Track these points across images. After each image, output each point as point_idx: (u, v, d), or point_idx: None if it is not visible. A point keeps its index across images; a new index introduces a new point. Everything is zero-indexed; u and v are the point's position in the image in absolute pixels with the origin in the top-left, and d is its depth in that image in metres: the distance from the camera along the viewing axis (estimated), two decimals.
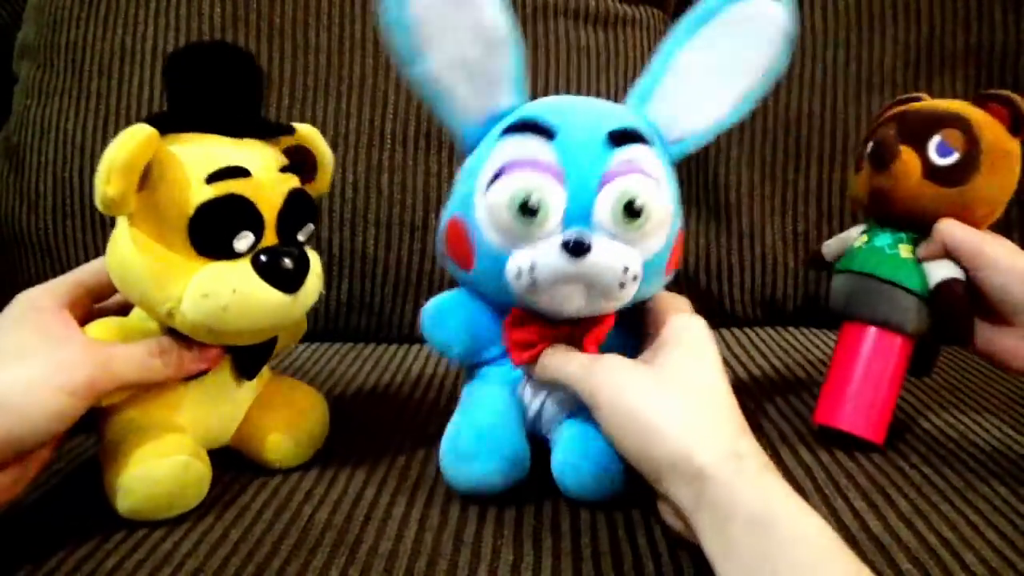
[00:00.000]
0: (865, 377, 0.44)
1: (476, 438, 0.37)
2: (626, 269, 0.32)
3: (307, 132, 0.39)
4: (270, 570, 0.32)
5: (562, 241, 0.31)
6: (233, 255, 0.33)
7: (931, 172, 0.42)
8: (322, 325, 0.65)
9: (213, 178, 0.32)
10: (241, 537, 0.35)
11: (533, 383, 0.39)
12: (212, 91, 0.34)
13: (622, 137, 0.33)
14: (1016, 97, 0.42)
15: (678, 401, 0.31)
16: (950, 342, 0.45)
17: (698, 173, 0.73)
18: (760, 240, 0.70)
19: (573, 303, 0.33)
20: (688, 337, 0.35)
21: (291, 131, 0.38)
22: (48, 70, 0.66)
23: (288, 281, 0.34)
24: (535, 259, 0.32)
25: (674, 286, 0.74)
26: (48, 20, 0.66)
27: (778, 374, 0.57)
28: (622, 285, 0.32)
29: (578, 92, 0.68)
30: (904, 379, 0.45)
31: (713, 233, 0.71)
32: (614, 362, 0.34)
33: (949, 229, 0.41)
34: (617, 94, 0.70)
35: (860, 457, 0.43)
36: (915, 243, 0.44)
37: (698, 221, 0.72)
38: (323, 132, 0.63)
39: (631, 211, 0.31)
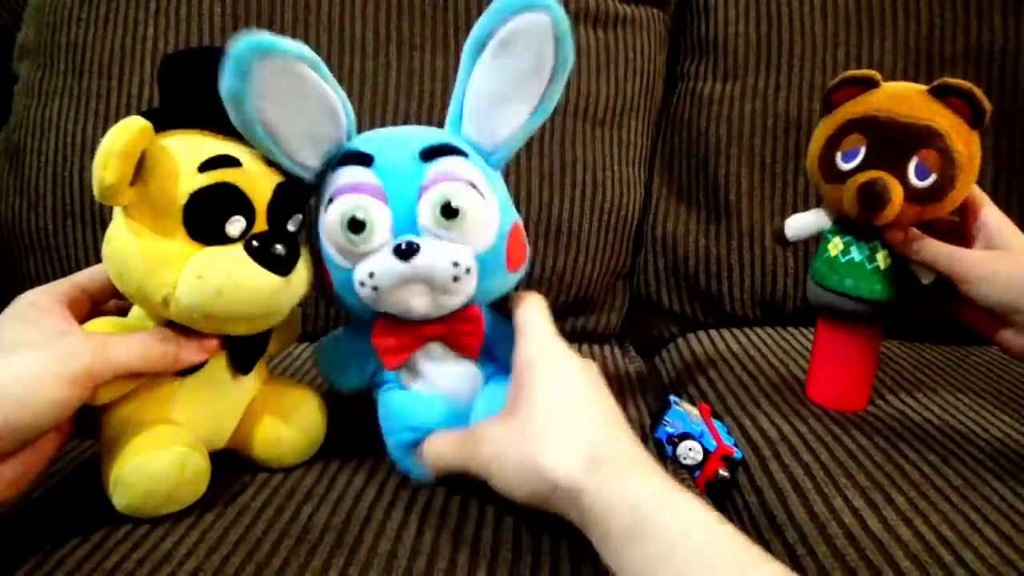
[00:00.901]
0: (840, 363, 0.50)
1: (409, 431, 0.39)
2: (456, 263, 0.35)
3: None
4: (270, 569, 0.32)
5: (393, 247, 0.35)
6: (226, 240, 0.34)
7: (912, 195, 0.43)
8: (322, 325, 0.65)
9: (205, 167, 0.34)
10: (241, 537, 0.35)
11: (409, 370, 0.41)
12: (203, 91, 0.34)
13: (432, 152, 0.36)
14: (975, 90, 0.42)
15: (539, 437, 0.32)
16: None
17: (698, 173, 0.73)
18: (760, 240, 0.70)
19: (418, 303, 0.36)
20: (531, 362, 0.35)
21: None
22: (48, 70, 0.66)
23: (280, 264, 0.35)
24: (373, 268, 0.35)
25: (675, 286, 0.74)
26: (48, 20, 0.66)
27: (778, 374, 0.57)
28: (456, 279, 0.36)
29: (577, 92, 0.68)
30: (878, 354, 0.50)
31: (713, 233, 0.71)
32: (484, 433, 0.34)
33: (922, 249, 0.44)
34: (617, 94, 0.70)
35: (860, 456, 0.43)
36: (887, 246, 0.46)
37: (698, 221, 0.73)
38: None
39: (448, 211, 0.35)
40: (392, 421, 0.39)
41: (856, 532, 0.36)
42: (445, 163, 0.36)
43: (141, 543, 0.34)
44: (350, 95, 0.63)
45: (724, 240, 0.71)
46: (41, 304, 0.34)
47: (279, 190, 0.36)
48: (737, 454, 0.45)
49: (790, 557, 0.37)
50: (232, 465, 0.40)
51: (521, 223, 0.40)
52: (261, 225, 0.36)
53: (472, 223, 0.36)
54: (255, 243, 0.34)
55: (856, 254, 0.47)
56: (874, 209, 0.43)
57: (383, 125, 0.65)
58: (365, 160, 0.36)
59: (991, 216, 0.44)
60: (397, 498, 0.38)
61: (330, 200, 0.36)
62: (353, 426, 0.44)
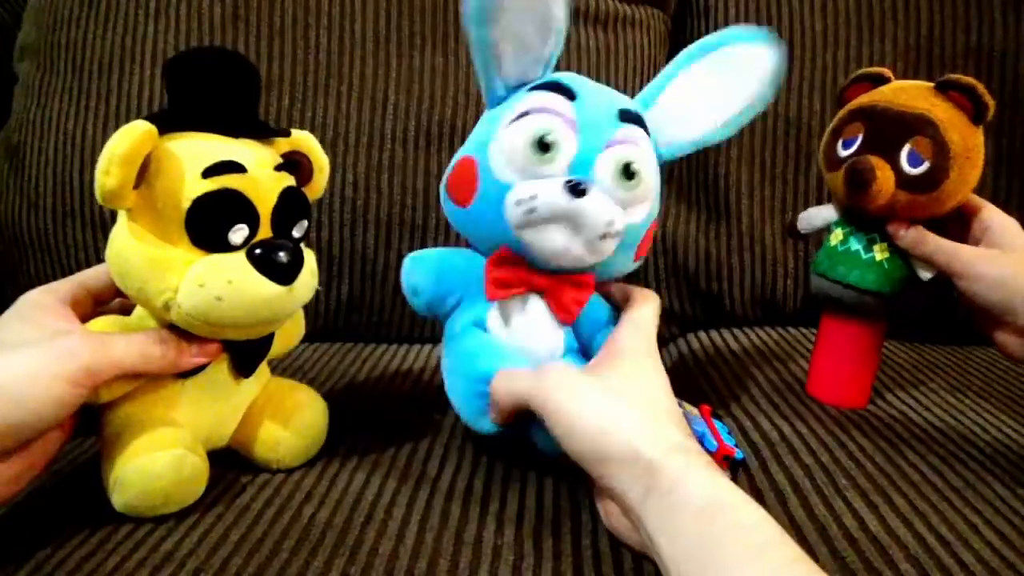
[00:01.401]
0: (839, 358, 0.51)
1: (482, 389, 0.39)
2: (611, 223, 0.36)
3: (304, 138, 0.40)
4: (271, 570, 0.32)
5: (565, 180, 0.36)
6: (229, 247, 0.34)
7: (903, 182, 0.43)
8: (322, 325, 0.65)
9: (209, 172, 0.33)
10: (242, 537, 0.35)
11: (504, 320, 0.41)
12: (210, 92, 0.35)
13: (630, 116, 0.39)
14: (978, 85, 0.42)
15: (624, 404, 0.33)
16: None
17: (698, 173, 0.73)
18: (760, 240, 0.70)
19: (557, 243, 0.37)
20: (632, 351, 0.37)
21: (286, 133, 0.39)
22: (48, 70, 0.66)
23: (283, 273, 0.35)
24: (538, 191, 0.36)
25: (675, 286, 0.74)
26: (48, 20, 0.66)
27: (778, 374, 0.57)
28: (603, 237, 0.36)
29: None
30: (880, 351, 0.51)
31: (713, 233, 0.71)
32: (560, 370, 0.35)
33: (923, 243, 0.44)
34: None
35: (860, 457, 0.43)
36: (888, 239, 0.46)
37: (698, 221, 0.72)
38: (323, 132, 0.64)
39: (628, 172, 0.37)
40: (473, 365, 0.39)
41: (856, 533, 0.36)
42: (635, 131, 0.39)
43: (142, 543, 0.34)
44: (350, 95, 0.62)
45: (724, 240, 0.71)
46: (43, 303, 0.35)
47: (285, 196, 0.36)
48: (738, 454, 0.45)
49: None
50: (233, 465, 0.40)
51: (657, 219, 0.42)
52: (265, 231, 0.35)
53: (640, 193, 0.38)
54: (258, 251, 0.34)
55: (853, 243, 0.48)
56: (859, 188, 0.43)
57: (383, 125, 0.66)
58: (569, 94, 0.38)
59: (994, 217, 0.44)
60: (399, 498, 0.38)
61: (523, 114, 0.37)
62: (354, 426, 0.44)
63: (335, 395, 0.52)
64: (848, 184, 0.44)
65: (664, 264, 0.74)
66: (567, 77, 0.40)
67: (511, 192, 0.36)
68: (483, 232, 0.39)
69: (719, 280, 0.71)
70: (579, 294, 0.40)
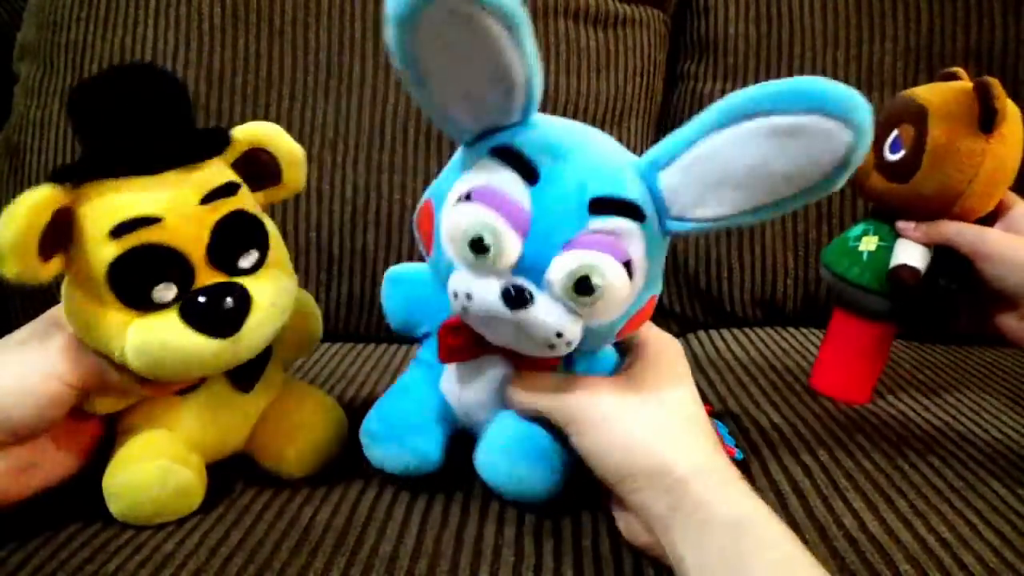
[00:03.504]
0: (841, 353, 0.51)
1: (381, 421, 0.39)
2: (560, 334, 0.31)
3: (261, 132, 0.36)
4: (271, 571, 0.32)
5: (503, 287, 0.30)
6: (162, 306, 0.31)
7: (882, 166, 0.44)
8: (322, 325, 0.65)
9: (117, 232, 0.30)
10: (242, 538, 0.35)
11: (459, 375, 0.39)
12: (120, 127, 0.30)
13: (605, 206, 0.30)
14: (990, 88, 0.40)
15: (655, 416, 0.33)
16: (928, 323, 0.48)
17: None
18: (760, 240, 0.70)
19: (502, 339, 0.33)
20: (664, 359, 0.36)
21: (222, 146, 0.34)
22: (48, 70, 0.66)
23: (221, 325, 0.32)
24: (473, 290, 0.31)
25: (675, 286, 0.74)
26: (48, 20, 0.66)
27: (777, 374, 0.57)
28: (551, 347, 0.31)
29: (577, 92, 0.68)
30: (887, 350, 0.51)
31: (713, 233, 0.71)
32: (588, 381, 0.34)
33: (942, 227, 0.44)
34: (617, 94, 0.70)
35: (860, 457, 0.43)
36: (885, 231, 0.47)
37: None
38: (323, 132, 0.64)
39: (583, 287, 0.29)
40: (392, 403, 0.40)
41: (856, 534, 0.36)
42: (612, 224, 0.30)
43: (143, 546, 0.34)
44: (349, 95, 0.62)
45: (724, 240, 0.71)
46: (57, 318, 0.35)
47: (219, 229, 0.32)
48: (738, 455, 0.45)
49: None
50: (233, 466, 0.40)
51: (659, 294, 0.35)
52: (204, 275, 0.32)
53: (602, 306, 0.30)
54: (194, 303, 0.31)
55: (852, 232, 0.49)
56: None
57: (382, 125, 0.65)
58: (530, 174, 0.30)
59: (1020, 208, 0.44)
60: (399, 499, 0.38)
61: (468, 195, 0.30)
62: (354, 427, 0.44)
63: (335, 395, 0.52)
64: None
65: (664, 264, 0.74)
66: (541, 140, 0.31)
67: (451, 278, 0.32)
68: (441, 287, 0.33)
69: (719, 280, 0.71)
70: (544, 363, 0.36)
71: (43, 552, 0.33)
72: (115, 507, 0.35)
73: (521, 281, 0.30)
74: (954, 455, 0.44)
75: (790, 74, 0.69)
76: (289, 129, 0.38)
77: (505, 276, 0.30)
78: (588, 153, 0.32)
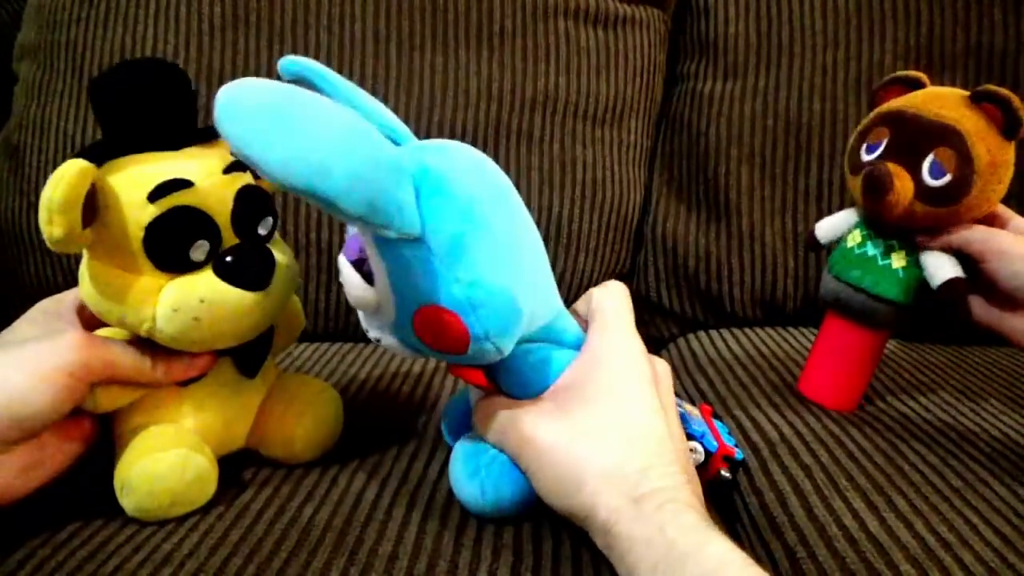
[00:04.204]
0: (838, 361, 0.50)
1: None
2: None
3: None
4: (270, 571, 0.32)
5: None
6: (194, 265, 0.33)
7: (923, 193, 0.42)
8: (322, 325, 0.65)
9: (155, 195, 0.32)
10: (241, 538, 0.35)
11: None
12: (138, 110, 0.33)
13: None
14: (1014, 99, 0.41)
15: (588, 448, 0.32)
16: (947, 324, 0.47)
17: (698, 173, 0.73)
18: (760, 240, 0.70)
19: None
20: (609, 357, 0.34)
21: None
22: (48, 70, 0.66)
23: (255, 279, 0.34)
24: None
25: (675, 286, 0.74)
26: (48, 20, 0.66)
27: (778, 374, 0.57)
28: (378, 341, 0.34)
29: (577, 92, 0.68)
30: (879, 358, 0.50)
31: (713, 233, 0.71)
32: (530, 416, 0.34)
33: (960, 230, 0.43)
34: (617, 94, 0.70)
35: (860, 457, 0.43)
36: (907, 248, 0.45)
37: (698, 221, 0.73)
38: None
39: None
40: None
41: (856, 534, 0.36)
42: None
43: (143, 545, 0.34)
44: None
45: (724, 240, 0.71)
46: (51, 309, 0.36)
47: (241, 196, 0.35)
48: (738, 455, 0.45)
49: (790, 559, 0.38)
50: (233, 466, 0.40)
51: (439, 307, 0.31)
52: (229, 238, 0.35)
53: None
54: (224, 261, 0.34)
55: (870, 248, 0.47)
56: (875, 195, 0.42)
57: None
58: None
59: (1021, 224, 0.44)
60: (398, 499, 0.38)
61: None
62: (354, 427, 0.44)
63: (345, 388, 0.52)
64: (865, 191, 0.43)
65: (664, 264, 0.74)
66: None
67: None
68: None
69: (719, 280, 0.71)
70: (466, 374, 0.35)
71: (43, 551, 0.33)
72: (130, 499, 0.34)
73: None
74: (954, 455, 0.44)
75: (790, 74, 0.70)
76: None
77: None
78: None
